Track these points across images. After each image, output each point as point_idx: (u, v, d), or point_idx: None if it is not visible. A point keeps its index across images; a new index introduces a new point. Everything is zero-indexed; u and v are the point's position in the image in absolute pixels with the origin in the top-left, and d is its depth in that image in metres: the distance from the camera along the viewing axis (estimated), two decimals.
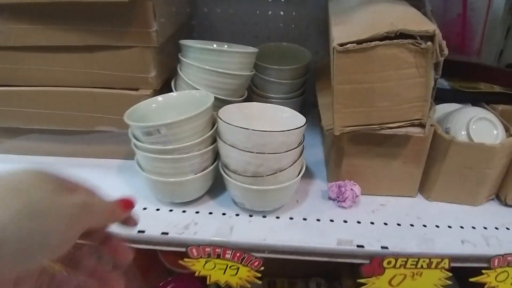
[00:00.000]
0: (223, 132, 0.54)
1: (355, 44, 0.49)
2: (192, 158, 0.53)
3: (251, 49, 0.65)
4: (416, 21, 0.51)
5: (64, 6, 0.55)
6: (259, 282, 0.58)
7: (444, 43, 0.49)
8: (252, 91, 0.78)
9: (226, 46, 0.68)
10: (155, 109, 0.58)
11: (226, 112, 0.56)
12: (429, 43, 0.49)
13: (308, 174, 0.67)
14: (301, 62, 0.76)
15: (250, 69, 0.65)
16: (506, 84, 0.67)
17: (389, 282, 0.57)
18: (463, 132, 0.58)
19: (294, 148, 0.53)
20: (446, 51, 0.50)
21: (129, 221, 0.34)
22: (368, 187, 0.62)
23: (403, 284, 0.57)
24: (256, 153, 0.51)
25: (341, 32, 0.54)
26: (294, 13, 0.86)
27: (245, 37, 0.87)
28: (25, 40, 0.58)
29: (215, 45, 0.67)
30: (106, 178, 0.66)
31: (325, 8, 0.77)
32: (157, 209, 0.59)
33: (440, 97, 0.58)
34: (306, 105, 0.85)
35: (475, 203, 0.61)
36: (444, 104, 0.65)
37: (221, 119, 0.53)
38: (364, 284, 0.56)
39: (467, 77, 0.70)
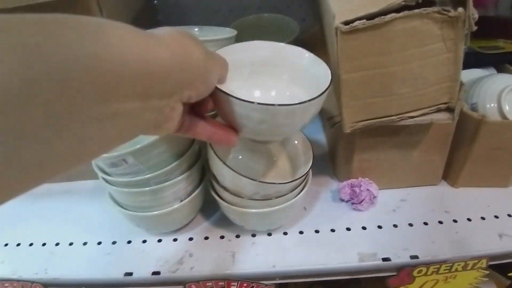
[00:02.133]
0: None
1: (364, 21, 0.36)
2: (174, 185, 0.41)
3: (227, 32, 0.51)
4: None
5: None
6: None
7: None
8: None
9: (196, 29, 0.54)
10: None
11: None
12: (460, 9, 0.36)
13: (312, 171, 0.52)
14: (288, 36, 0.62)
15: None
16: None
17: None
18: (493, 106, 0.47)
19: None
20: (477, 16, 0.38)
21: None
22: (384, 182, 0.51)
23: None
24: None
25: (342, 4, 0.40)
26: None
27: (218, 12, 0.71)
28: None
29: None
30: (76, 206, 0.54)
31: None
32: (144, 241, 0.48)
33: None
34: None
35: (507, 185, 0.51)
36: (464, 71, 0.53)
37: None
38: None
39: (484, 33, 0.57)
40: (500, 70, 0.54)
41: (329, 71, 0.36)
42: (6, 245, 0.50)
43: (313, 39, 0.67)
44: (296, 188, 0.43)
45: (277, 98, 0.41)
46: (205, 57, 0.26)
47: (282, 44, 0.41)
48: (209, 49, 0.28)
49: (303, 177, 0.43)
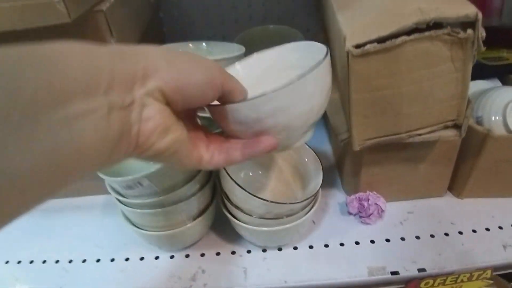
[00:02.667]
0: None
1: (375, 44, 0.36)
2: (187, 205, 0.41)
3: (236, 50, 0.51)
4: (448, 2, 0.38)
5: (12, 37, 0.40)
6: None
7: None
8: None
9: (204, 44, 0.54)
10: None
11: None
12: (469, 30, 0.36)
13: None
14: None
15: None
16: None
17: None
18: (498, 118, 0.47)
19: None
20: (484, 34, 0.38)
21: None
22: (391, 195, 0.51)
23: None
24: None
25: (351, 22, 0.40)
26: None
27: (223, 23, 0.71)
28: None
29: (191, 45, 0.53)
30: (89, 222, 0.54)
31: None
32: (156, 257, 0.48)
33: None
34: None
35: (511, 195, 0.52)
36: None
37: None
38: None
39: (488, 43, 0.57)
40: (504, 81, 0.55)
41: (324, 47, 0.33)
42: (19, 262, 0.50)
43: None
44: (307, 206, 0.44)
45: None
46: (162, 51, 0.26)
47: (277, 48, 0.39)
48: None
49: (314, 195, 0.43)
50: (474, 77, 0.54)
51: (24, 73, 0.18)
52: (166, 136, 0.26)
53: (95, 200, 0.57)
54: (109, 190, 0.41)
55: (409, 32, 0.36)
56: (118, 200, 0.41)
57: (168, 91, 0.25)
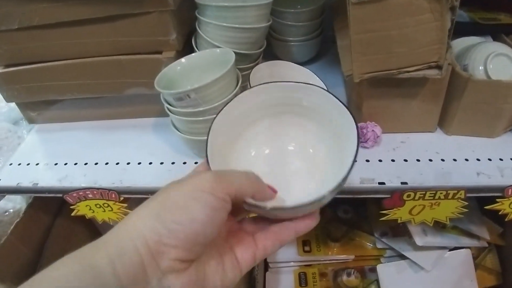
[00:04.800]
0: None
1: None
2: None
3: None
4: None
5: None
6: None
7: None
8: (271, 35, 0.82)
9: None
10: (181, 71, 0.64)
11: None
12: None
13: None
14: (318, 2, 0.78)
15: (267, 19, 0.68)
16: None
17: (409, 212, 0.65)
18: (481, 68, 0.62)
19: None
20: None
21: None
22: (388, 126, 0.68)
23: (423, 213, 0.65)
24: None
25: None
26: None
27: None
28: (48, 18, 0.62)
29: None
30: (143, 137, 0.74)
31: None
32: (195, 162, 0.67)
33: (459, 30, 0.60)
34: (326, 41, 0.88)
35: (493, 135, 0.66)
36: (464, 38, 0.68)
37: None
38: (387, 214, 0.65)
39: (488, 7, 0.71)
40: (495, 39, 0.69)
41: (355, 127, 0.40)
42: (86, 163, 0.70)
43: (340, 4, 0.82)
44: None
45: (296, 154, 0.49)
46: (149, 211, 0.29)
47: (304, 85, 0.46)
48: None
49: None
50: (469, 33, 0.69)
51: None
52: None
53: (148, 121, 0.77)
54: (163, 101, 0.60)
55: None
56: (169, 110, 0.60)
57: (184, 252, 0.27)
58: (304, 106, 0.47)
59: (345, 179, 0.36)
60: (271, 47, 0.85)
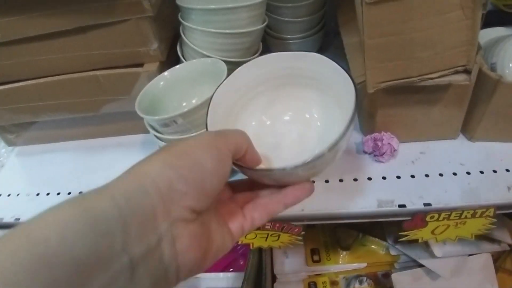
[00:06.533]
0: None
1: None
2: None
3: None
4: None
5: None
6: (301, 242, 0.58)
7: None
8: (266, 33, 0.69)
9: None
10: (166, 87, 0.52)
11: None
12: None
13: None
14: None
15: (262, 20, 0.56)
16: None
17: (432, 232, 0.55)
18: (511, 67, 0.50)
19: None
20: None
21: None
22: (405, 135, 0.57)
23: (446, 232, 0.55)
24: None
25: None
26: None
27: None
28: (12, 33, 0.51)
29: None
30: (129, 157, 0.62)
31: None
32: None
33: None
34: (327, 33, 0.75)
35: None
36: (487, 30, 0.56)
37: None
38: (406, 235, 0.55)
39: None
40: None
41: (354, 91, 0.36)
42: (69, 193, 0.60)
43: None
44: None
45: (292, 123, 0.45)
46: (163, 159, 0.26)
47: (302, 53, 0.41)
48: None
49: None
50: (493, 23, 0.57)
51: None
52: (208, 256, 0.27)
53: (135, 138, 0.66)
54: (148, 127, 0.49)
55: None
56: (156, 136, 0.49)
57: (193, 200, 0.25)
58: (304, 75, 0.43)
59: (334, 145, 0.32)
60: (266, 44, 0.72)
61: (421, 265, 0.73)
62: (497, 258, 0.75)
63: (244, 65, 0.42)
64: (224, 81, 0.41)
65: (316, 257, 0.78)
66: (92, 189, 0.24)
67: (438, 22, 0.42)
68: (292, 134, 0.45)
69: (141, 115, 0.46)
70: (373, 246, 0.78)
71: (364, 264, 0.77)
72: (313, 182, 0.37)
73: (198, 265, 0.26)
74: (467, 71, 0.46)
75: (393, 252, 0.76)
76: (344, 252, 0.78)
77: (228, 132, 0.31)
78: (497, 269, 0.74)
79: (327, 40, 0.77)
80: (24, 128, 0.66)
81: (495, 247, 0.72)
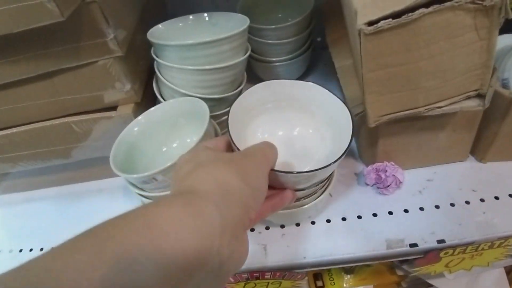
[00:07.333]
0: None
1: (390, 20, 0.33)
2: None
3: (240, 22, 0.47)
4: None
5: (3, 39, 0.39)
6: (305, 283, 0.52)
7: None
8: (250, 57, 0.61)
9: (206, 15, 0.51)
10: (141, 133, 0.45)
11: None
12: None
13: None
14: (303, 9, 0.57)
15: (245, 48, 0.48)
16: None
17: (446, 265, 0.50)
18: None
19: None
20: None
21: None
22: (410, 163, 0.50)
23: (461, 264, 0.50)
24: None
25: None
26: None
27: None
28: None
29: (191, 17, 0.50)
30: (112, 204, 0.55)
31: None
32: None
33: None
34: (314, 48, 0.68)
35: None
36: None
37: None
38: (417, 270, 0.49)
39: None
40: None
41: (350, 120, 0.37)
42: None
43: (331, 9, 0.62)
44: (324, 181, 0.43)
45: (299, 136, 0.45)
46: (243, 181, 0.27)
47: (301, 82, 0.42)
48: (246, 155, 0.30)
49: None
50: (501, 30, 0.50)
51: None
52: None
53: (115, 182, 0.58)
54: (127, 185, 0.42)
55: (427, 3, 0.33)
56: (137, 193, 0.42)
57: (253, 212, 0.27)
58: (303, 102, 0.43)
59: (324, 168, 0.34)
60: (251, 67, 0.65)
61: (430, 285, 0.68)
62: (509, 270, 0.70)
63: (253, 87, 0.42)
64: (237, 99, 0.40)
65: (319, 283, 0.72)
66: (191, 192, 0.25)
67: (448, 47, 0.35)
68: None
69: (117, 172, 0.39)
70: (378, 266, 0.72)
71: (370, 287, 0.71)
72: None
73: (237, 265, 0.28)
74: (480, 95, 0.40)
75: (400, 273, 0.70)
76: (348, 276, 0.72)
77: (271, 149, 0.33)
78: (510, 281, 0.69)
79: (315, 54, 0.70)
80: (3, 177, 0.59)
81: (509, 261, 0.66)
